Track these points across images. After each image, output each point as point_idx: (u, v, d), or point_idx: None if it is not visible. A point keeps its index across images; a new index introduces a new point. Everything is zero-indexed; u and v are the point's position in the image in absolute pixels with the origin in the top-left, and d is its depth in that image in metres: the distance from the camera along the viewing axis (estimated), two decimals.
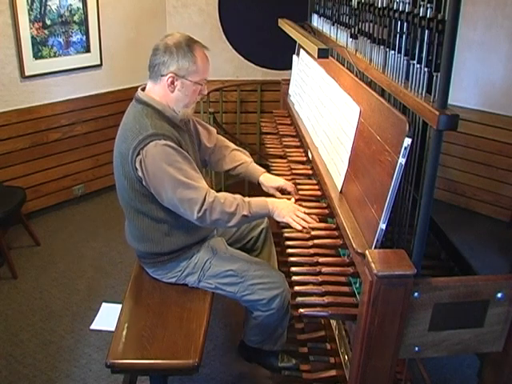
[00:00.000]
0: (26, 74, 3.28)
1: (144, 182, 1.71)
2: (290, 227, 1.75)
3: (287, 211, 1.77)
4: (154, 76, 1.75)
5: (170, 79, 1.71)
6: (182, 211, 1.72)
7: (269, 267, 1.98)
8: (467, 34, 3.32)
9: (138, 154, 1.67)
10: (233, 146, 2.14)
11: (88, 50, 3.62)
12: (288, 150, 2.37)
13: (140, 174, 1.69)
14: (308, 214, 1.78)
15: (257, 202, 1.79)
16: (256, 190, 2.11)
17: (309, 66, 2.54)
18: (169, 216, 1.79)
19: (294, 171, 2.15)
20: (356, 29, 1.86)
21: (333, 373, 1.98)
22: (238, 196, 1.78)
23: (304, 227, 1.72)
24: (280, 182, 2.02)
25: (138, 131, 1.68)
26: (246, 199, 1.78)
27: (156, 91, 1.76)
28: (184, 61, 1.69)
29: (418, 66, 1.36)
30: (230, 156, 2.10)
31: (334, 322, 2.10)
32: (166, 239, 1.84)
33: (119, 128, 1.80)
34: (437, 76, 1.26)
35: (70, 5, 3.42)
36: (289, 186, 2.00)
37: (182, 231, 1.84)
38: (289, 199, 1.88)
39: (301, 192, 1.96)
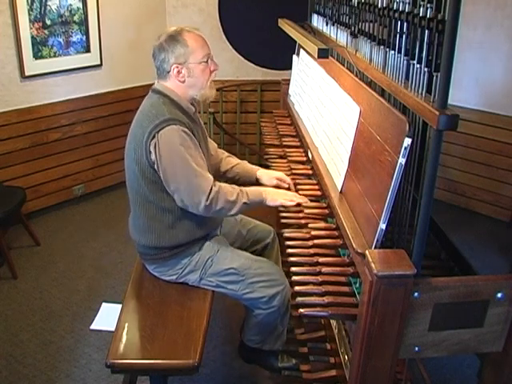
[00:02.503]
0: (26, 74, 3.28)
1: (156, 166, 1.74)
2: (287, 220, 1.82)
3: (278, 196, 1.88)
4: (163, 76, 1.82)
5: (176, 70, 1.77)
6: (189, 199, 1.75)
7: (269, 265, 1.99)
8: (467, 34, 3.32)
9: (153, 138, 1.71)
10: (226, 153, 2.23)
11: (88, 50, 3.62)
12: (288, 150, 2.37)
13: (153, 157, 1.73)
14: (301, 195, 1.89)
15: (252, 190, 1.89)
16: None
17: (309, 66, 2.54)
18: (175, 206, 1.81)
19: (293, 171, 2.15)
20: (356, 29, 1.86)
21: (333, 373, 1.98)
22: (235, 186, 1.86)
23: (298, 203, 1.84)
24: (277, 173, 2.08)
25: (155, 116, 1.73)
26: (243, 188, 1.87)
27: (170, 87, 1.81)
28: (177, 48, 1.75)
29: (418, 65, 1.36)
30: (226, 160, 2.18)
31: (334, 322, 2.10)
32: (169, 232, 1.85)
33: (135, 116, 1.84)
34: (437, 76, 1.26)
35: (70, 5, 3.42)
36: (286, 178, 2.05)
37: (186, 225, 1.85)
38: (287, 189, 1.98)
39: (301, 192, 1.96)
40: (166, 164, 1.72)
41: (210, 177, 1.79)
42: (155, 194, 1.80)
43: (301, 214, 1.84)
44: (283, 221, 1.84)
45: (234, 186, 1.86)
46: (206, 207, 1.75)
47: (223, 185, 1.82)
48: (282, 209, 1.90)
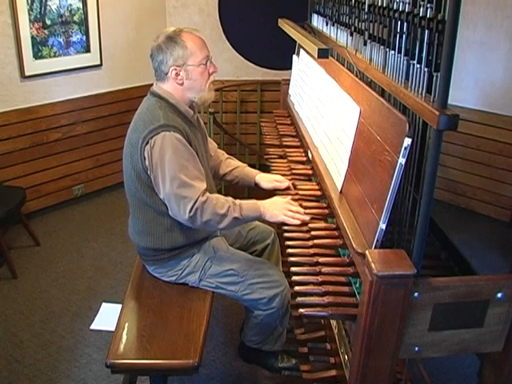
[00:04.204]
0: (26, 74, 3.28)
1: (149, 172, 1.73)
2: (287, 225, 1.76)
3: (279, 211, 1.77)
4: (160, 77, 1.80)
5: (174, 72, 1.75)
6: (175, 209, 1.72)
7: (269, 266, 1.98)
8: (467, 34, 3.32)
9: (147, 143, 1.70)
10: (226, 154, 2.19)
11: (88, 50, 3.62)
12: (288, 150, 2.37)
13: (147, 163, 1.72)
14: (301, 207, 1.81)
15: (248, 204, 1.80)
16: (254, 194, 2.11)
17: (309, 65, 2.54)
18: None
19: (293, 171, 2.15)
20: (356, 28, 1.86)
21: (333, 373, 1.98)
22: (230, 198, 1.80)
23: (302, 220, 1.73)
24: (275, 177, 2.05)
25: (150, 121, 1.72)
26: (237, 202, 1.79)
27: (168, 89, 1.79)
28: (176, 50, 1.73)
29: (418, 65, 1.36)
30: (226, 162, 2.15)
31: (334, 322, 2.10)
32: (168, 234, 1.85)
33: (132, 119, 1.83)
34: (437, 76, 1.26)
35: (70, 5, 3.42)
36: (285, 181, 2.03)
37: (185, 228, 1.84)
38: (285, 197, 1.88)
39: (301, 192, 1.96)
40: (156, 172, 1.70)
41: (201, 187, 1.72)
42: (152, 198, 1.79)
43: None
44: None
45: (227, 198, 1.79)
46: (190, 218, 1.70)
47: (215, 196, 1.76)
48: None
